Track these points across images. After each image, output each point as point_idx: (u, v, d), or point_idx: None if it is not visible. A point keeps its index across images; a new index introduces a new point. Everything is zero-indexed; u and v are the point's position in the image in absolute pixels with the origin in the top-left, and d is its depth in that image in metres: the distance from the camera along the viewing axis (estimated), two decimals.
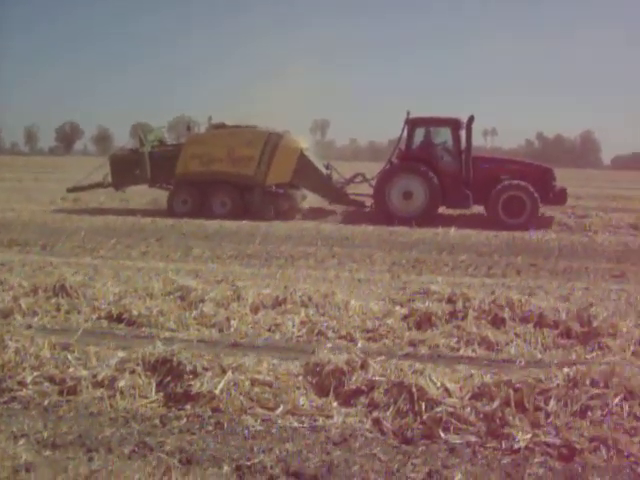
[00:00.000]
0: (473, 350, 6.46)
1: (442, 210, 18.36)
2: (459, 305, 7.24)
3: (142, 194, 21.84)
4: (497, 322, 7.00)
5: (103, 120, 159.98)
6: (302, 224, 16.57)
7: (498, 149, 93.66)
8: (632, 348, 6.54)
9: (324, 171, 18.99)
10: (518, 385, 4.73)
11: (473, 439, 4.44)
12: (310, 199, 19.74)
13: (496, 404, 4.61)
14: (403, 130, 17.88)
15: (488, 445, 4.38)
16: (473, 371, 5.18)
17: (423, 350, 6.45)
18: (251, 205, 18.31)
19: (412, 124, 17.86)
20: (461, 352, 6.41)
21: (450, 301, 7.40)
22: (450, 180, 17.39)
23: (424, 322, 7.04)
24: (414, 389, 4.70)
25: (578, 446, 4.27)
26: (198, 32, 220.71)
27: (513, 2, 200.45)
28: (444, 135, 18.24)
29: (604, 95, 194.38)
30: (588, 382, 4.78)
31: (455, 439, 4.44)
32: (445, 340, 6.66)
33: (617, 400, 4.62)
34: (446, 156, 17.97)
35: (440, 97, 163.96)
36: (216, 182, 18.53)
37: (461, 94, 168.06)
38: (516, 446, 4.32)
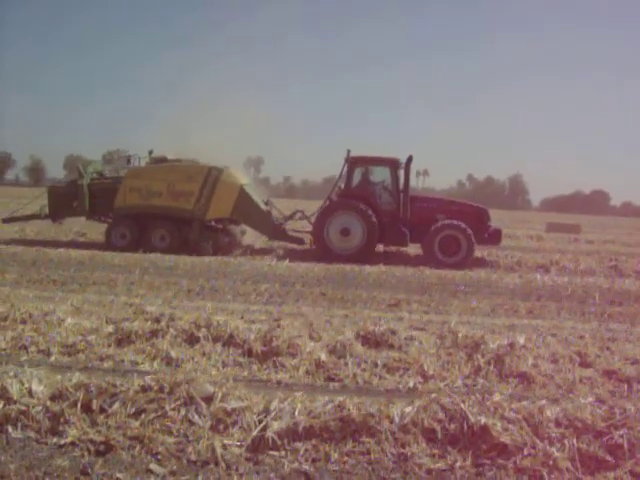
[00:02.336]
0: (152, 365, 7.08)
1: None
2: (163, 324, 7.87)
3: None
4: (192, 341, 7.65)
5: (36, 150, 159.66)
6: (152, 256, 16.75)
7: (430, 189, 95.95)
8: (307, 367, 7.23)
9: (264, 207, 19.31)
10: (92, 388, 5.35)
11: (33, 434, 5.04)
12: (258, 237, 20.33)
13: (65, 404, 5.22)
14: (343, 168, 18.36)
15: (42, 440, 4.99)
16: (76, 378, 5.76)
17: (107, 364, 7.07)
18: (190, 240, 18.48)
19: (352, 163, 18.31)
20: (140, 367, 7.02)
21: (157, 321, 8.02)
22: (388, 218, 17.97)
23: (125, 339, 7.66)
24: None
25: (116, 443, 4.90)
26: (137, 68, 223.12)
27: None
28: (383, 174, 18.76)
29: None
30: (157, 389, 5.43)
31: (17, 434, 5.04)
32: (135, 356, 7.29)
33: (174, 405, 5.26)
34: (384, 195, 18.54)
35: (375, 138, 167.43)
36: (155, 216, 18.67)
37: (396, 135, 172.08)
38: (63, 442, 4.94)
